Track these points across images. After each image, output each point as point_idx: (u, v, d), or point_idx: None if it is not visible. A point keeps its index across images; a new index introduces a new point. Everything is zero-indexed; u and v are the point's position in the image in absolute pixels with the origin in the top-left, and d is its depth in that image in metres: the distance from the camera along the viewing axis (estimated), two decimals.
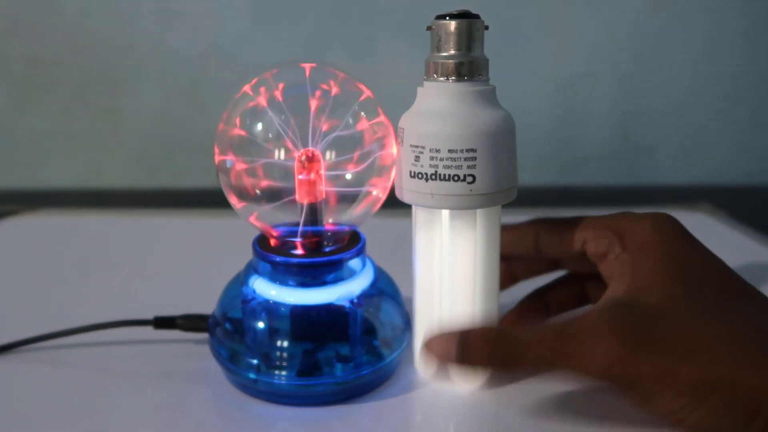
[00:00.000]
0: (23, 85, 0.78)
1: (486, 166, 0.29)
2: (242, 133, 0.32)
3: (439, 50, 0.30)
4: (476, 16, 0.29)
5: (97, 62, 0.76)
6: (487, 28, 0.30)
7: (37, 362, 0.36)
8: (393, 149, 0.32)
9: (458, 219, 0.30)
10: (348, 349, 0.32)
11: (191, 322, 0.36)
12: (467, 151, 0.28)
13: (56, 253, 0.54)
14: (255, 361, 0.32)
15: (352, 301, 0.32)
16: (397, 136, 0.31)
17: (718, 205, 0.64)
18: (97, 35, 0.76)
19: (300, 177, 0.32)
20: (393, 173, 0.32)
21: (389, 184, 0.33)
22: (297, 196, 0.32)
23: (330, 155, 0.32)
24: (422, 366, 0.34)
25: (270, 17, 0.75)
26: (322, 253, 0.33)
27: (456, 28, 0.29)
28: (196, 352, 0.37)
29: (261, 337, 0.32)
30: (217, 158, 0.33)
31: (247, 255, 0.35)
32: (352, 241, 0.34)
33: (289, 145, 0.31)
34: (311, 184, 0.32)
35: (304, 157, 0.32)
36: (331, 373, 0.32)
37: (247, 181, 0.32)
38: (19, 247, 0.56)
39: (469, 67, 0.29)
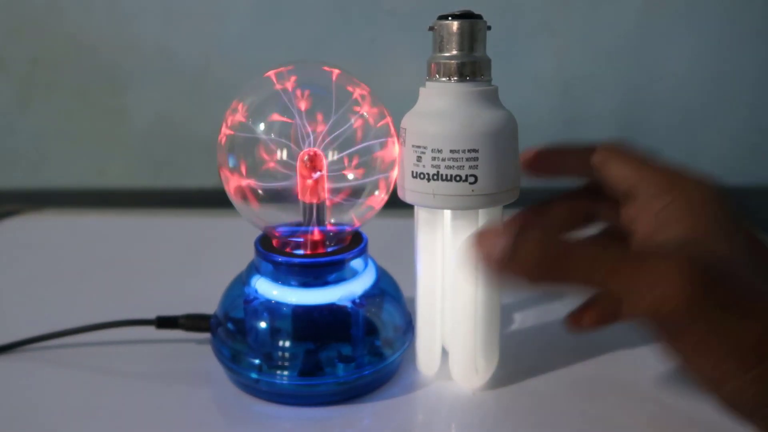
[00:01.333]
0: (26, 85, 0.78)
1: (488, 167, 0.29)
2: (245, 132, 0.32)
3: (441, 50, 0.30)
4: (478, 17, 0.29)
5: (100, 62, 0.77)
6: (489, 28, 0.30)
7: (40, 362, 0.36)
8: (395, 150, 0.32)
9: (460, 219, 0.30)
10: (350, 349, 0.32)
11: (193, 322, 0.36)
12: (469, 151, 0.28)
13: (59, 253, 0.54)
14: (257, 361, 0.32)
15: (354, 302, 0.32)
16: (399, 136, 0.31)
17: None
18: (99, 35, 0.76)
19: (303, 176, 0.32)
20: (395, 174, 0.32)
21: (392, 185, 0.33)
22: (300, 196, 0.32)
23: (333, 155, 0.32)
24: (424, 367, 0.34)
25: (272, 17, 0.75)
26: (324, 253, 0.33)
27: (458, 29, 0.29)
28: (198, 352, 0.37)
29: (263, 337, 0.32)
30: (220, 157, 0.33)
31: (250, 255, 0.35)
32: (354, 241, 0.34)
33: (293, 144, 0.31)
34: (314, 184, 0.32)
35: (307, 157, 0.32)
36: (333, 373, 0.32)
37: (250, 181, 0.32)
38: (21, 247, 0.56)
39: (471, 68, 0.29)
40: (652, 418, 0.29)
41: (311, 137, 0.31)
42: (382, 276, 0.35)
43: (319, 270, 0.32)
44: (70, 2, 0.75)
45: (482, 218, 0.31)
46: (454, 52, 0.29)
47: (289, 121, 0.31)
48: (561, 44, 0.75)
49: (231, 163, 0.32)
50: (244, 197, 0.32)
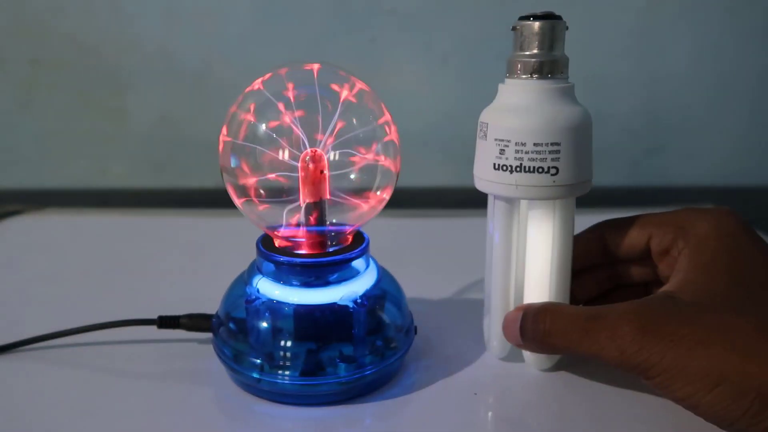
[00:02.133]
0: (27, 85, 0.78)
1: (568, 159, 0.30)
2: (247, 132, 0.32)
3: (522, 49, 0.31)
4: (558, 17, 0.31)
5: (101, 62, 0.77)
6: (567, 28, 0.31)
7: (42, 361, 0.36)
8: (397, 149, 0.32)
9: (538, 209, 0.32)
10: (351, 349, 0.32)
11: (195, 322, 0.36)
12: (552, 144, 0.30)
13: (60, 253, 0.54)
14: (258, 361, 0.32)
15: (355, 301, 0.32)
16: (478, 129, 0.32)
17: (722, 206, 0.64)
18: (100, 35, 0.76)
19: (304, 176, 0.32)
20: (397, 174, 0.32)
21: (392, 185, 0.33)
22: (301, 196, 0.32)
23: (334, 155, 0.32)
24: (496, 350, 0.35)
25: (272, 18, 0.75)
26: (325, 253, 0.33)
27: (539, 29, 0.31)
28: (199, 352, 0.37)
29: (264, 337, 0.32)
30: (222, 157, 0.33)
31: (251, 255, 0.35)
32: (355, 241, 0.34)
33: (294, 145, 0.31)
34: (316, 184, 0.32)
35: (308, 157, 0.32)
36: (335, 373, 0.32)
37: (252, 181, 0.32)
38: (23, 247, 0.56)
39: (551, 66, 0.31)
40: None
41: (313, 137, 0.31)
42: (384, 276, 0.35)
43: (320, 270, 0.32)
44: (71, 3, 0.75)
45: (558, 208, 0.32)
46: (536, 51, 0.31)
47: (290, 121, 0.31)
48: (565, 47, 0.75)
49: (232, 163, 0.32)
50: (246, 198, 0.33)
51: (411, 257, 0.50)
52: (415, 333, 0.36)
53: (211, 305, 0.36)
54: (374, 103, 0.33)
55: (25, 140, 0.80)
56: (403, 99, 0.76)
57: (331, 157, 0.32)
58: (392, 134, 0.33)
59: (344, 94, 0.32)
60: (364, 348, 0.32)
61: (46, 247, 0.56)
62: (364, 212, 0.33)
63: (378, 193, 0.33)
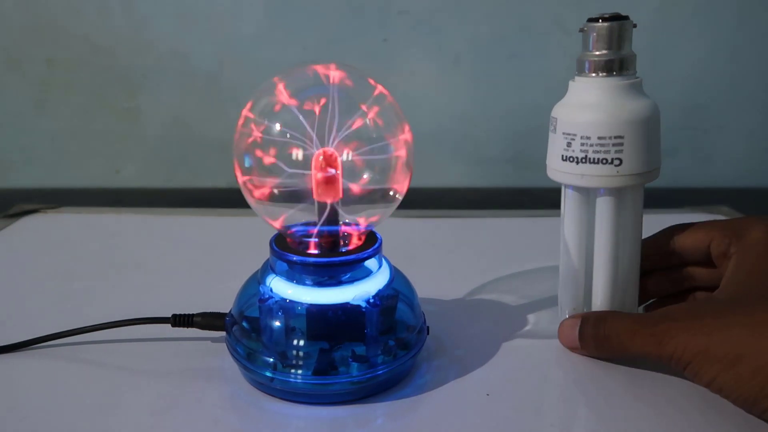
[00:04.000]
0: (43, 86, 0.79)
1: (632, 150, 0.33)
2: (261, 131, 0.32)
3: (591, 49, 0.33)
4: (626, 18, 0.33)
5: (115, 63, 0.77)
6: (635, 26, 0.33)
7: (56, 359, 0.36)
8: (410, 150, 0.32)
9: (605, 199, 0.34)
10: (363, 349, 0.32)
11: (208, 321, 0.36)
12: (615, 137, 0.32)
13: (75, 252, 0.55)
14: (271, 360, 0.32)
15: (368, 301, 0.32)
16: (550, 123, 0.35)
17: (737, 208, 0.63)
18: (115, 37, 0.76)
19: (318, 176, 0.32)
20: (410, 173, 0.32)
21: (406, 184, 0.33)
22: (315, 196, 0.32)
23: (348, 155, 0.32)
24: (565, 341, 0.37)
25: (285, 19, 0.75)
26: (338, 253, 0.33)
27: (608, 30, 0.33)
28: (213, 350, 0.37)
29: (277, 336, 0.32)
30: (235, 157, 0.33)
31: (265, 254, 0.35)
32: (368, 241, 0.34)
33: (308, 144, 0.31)
34: (329, 184, 0.32)
35: (322, 157, 0.32)
36: (347, 372, 0.32)
37: (265, 180, 0.32)
38: (38, 245, 0.57)
39: (618, 64, 0.33)
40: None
41: (326, 137, 0.31)
42: (396, 276, 0.35)
43: (333, 269, 0.32)
44: (86, 4, 0.75)
45: (626, 197, 0.34)
46: (604, 51, 0.33)
47: (303, 121, 0.31)
48: (573, 44, 0.75)
49: (245, 163, 0.32)
50: (259, 197, 0.33)
51: (423, 257, 0.50)
52: (427, 333, 0.36)
53: (225, 304, 0.36)
54: (388, 103, 0.33)
55: (41, 140, 0.81)
56: (415, 99, 0.75)
57: (344, 158, 0.32)
58: (406, 134, 0.33)
59: (358, 94, 0.32)
60: (377, 348, 0.32)
61: (60, 246, 0.56)
62: (377, 212, 0.33)
63: (391, 193, 0.33)
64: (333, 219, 0.33)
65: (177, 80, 0.78)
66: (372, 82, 0.33)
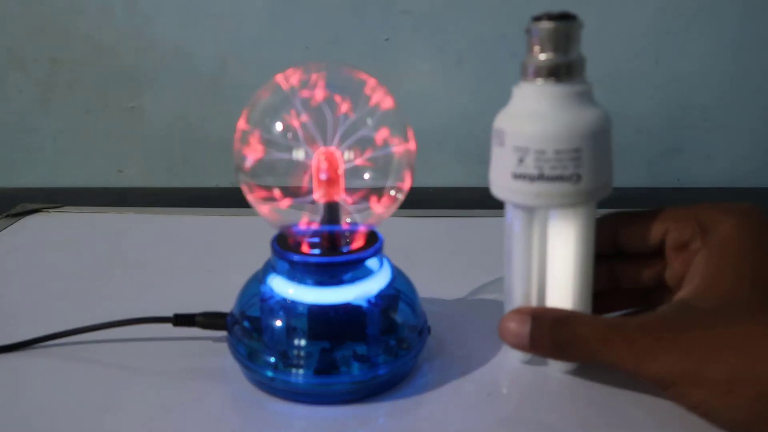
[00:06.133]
0: (46, 85, 0.79)
1: (590, 164, 0.29)
2: (262, 131, 0.32)
3: (536, 52, 0.30)
4: (574, 17, 0.29)
5: (118, 62, 0.77)
6: (582, 27, 0.29)
7: (58, 358, 0.37)
8: (412, 150, 0.32)
9: (558, 214, 0.31)
10: (365, 349, 0.32)
11: (210, 320, 0.36)
12: (574, 150, 0.29)
13: (77, 251, 0.55)
14: (272, 359, 0.32)
15: (369, 301, 0.32)
16: (493, 137, 0.31)
17: (744, 202, 0.63)
18: (118, 36, 0.77)
19: (319, 176, 0.32)
20: (411, 173, 0.32)
21: (408, 185, 0.33)
22: (316, 195, 0.32)
23: (349, 154, 0.32)
24: (517, 355, 0.35)
25: (287, 18, 0.75)
26: (340, 253, 0.33)
27: (554, 30, 0.29)
28: (214, 350, 0.37)
29: (279, 336, 0.32)
30: (237, 156, 0.33)
31: (266, 253, 0.35)
32: (369, 240, 0.34)
33: (309, 143, 0.31)
34: (330, 183, 0.32)
35: (323, 156, 0.32)
36: (348, 372, 0.32)
37: (267, 180, 0.32)
38: (41, 244, 0.57)
39: (567, 69, 0.29)
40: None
41: (328, 136, 0.31)
42: (398, 275, 0.35)
43: (334, 269, 0.32)
44: (89, 3, 0.75)
45: (579, 214, 0.31)
46: (551, 54, 0.29)
47: (305, 120, 0.31)
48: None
49: (247, 162, 0.32)
50: (261, 197, 0.33)
51: (425, 257, 0.50)
52: (429, 333, 0.36)
53: (226, 303, 0.36)
54: (389, 102, 0.33)
55: (44, 139, 0.81)
56: (417, 99, 0.75)
57: (346, 157, 0.32)
58: (408, 133, 0.33)
59: (360, 93, 0.32)
60: (378, 347, 0.32)
61: (63, 245, 0.56)
62: (379, 212, 0.33)
63: (393, 193, 0.33)
64: (334, 219, 0.33)
65: (180, 80, 0.78)
66: (374, 81, 0.33)
